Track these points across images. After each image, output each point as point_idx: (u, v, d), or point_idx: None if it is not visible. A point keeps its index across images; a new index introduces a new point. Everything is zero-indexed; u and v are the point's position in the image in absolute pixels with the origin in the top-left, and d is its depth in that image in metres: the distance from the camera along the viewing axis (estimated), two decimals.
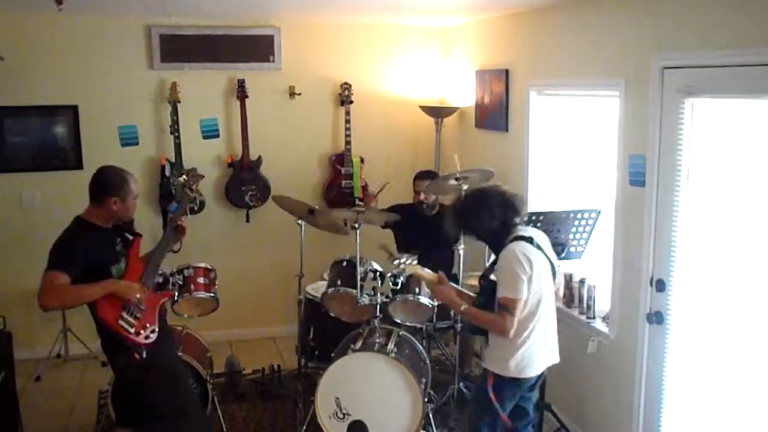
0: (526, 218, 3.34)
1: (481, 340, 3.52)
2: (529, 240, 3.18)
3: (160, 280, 3.77)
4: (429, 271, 3.60)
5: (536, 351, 3.21)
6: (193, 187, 3.84)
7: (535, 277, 3.11)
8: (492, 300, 3.21)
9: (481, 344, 3.71)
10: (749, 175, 3.02)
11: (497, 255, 3.23)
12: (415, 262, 3.62)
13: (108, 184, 3.38)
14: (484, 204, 3.23)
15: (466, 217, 3.31)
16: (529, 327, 3.17)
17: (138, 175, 5.45)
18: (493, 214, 3.21)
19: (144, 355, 3.33)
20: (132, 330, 3.33)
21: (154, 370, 3.40)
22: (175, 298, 3.86)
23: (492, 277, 3.23)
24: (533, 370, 3.24)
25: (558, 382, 4.29)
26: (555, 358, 3.36)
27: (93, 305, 3.29)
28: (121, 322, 3.30)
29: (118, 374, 3.55)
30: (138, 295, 3.35)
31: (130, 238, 3.55)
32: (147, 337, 3.37)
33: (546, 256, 3.24)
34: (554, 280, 3.31)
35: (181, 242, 3.80)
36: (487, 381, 3.28)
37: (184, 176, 3.90)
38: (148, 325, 3.39)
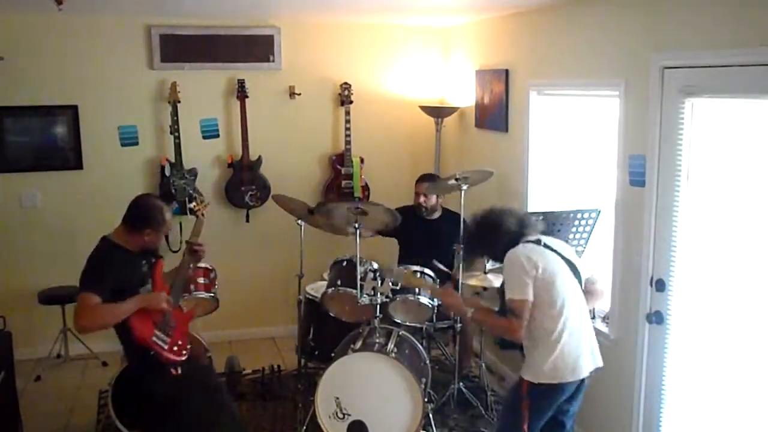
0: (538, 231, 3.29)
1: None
2: (535, 241, 3.15)
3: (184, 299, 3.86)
4: (429, 281, 3.61)
5: (571, 353, 3.10)
6: (204, 213, 3.93)
7: (544, 273, 3.05)
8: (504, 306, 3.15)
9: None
10: (749, 175, 3.02)
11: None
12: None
13: (149, 216, 3.45)
14: (501, 229, 3.21)
15: (487, 244, 3.29)
16: (557, 328, 3.07)
17: (138, 175, 5.54)
18: (509, 234, 3.19)
19: (179, 371, 3.43)
20: (166, 346, 3.41)
21: (184, 385, 3.46)
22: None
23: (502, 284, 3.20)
24: (571, 374, 3.11)
25: None
26: (598, 361, 3.24)
27: (124, 327, 3.33)
28: (155, 339, 3.38)
29: (147, 389, 3.49)
30: (165, 305, 3.43)
31: (153, 260, 3.59)
32: (180, 354, 3.46)
33: (561, 255, 3.17)
34: (581, 282, 3.21)
35: (181, 242, 3.84)
36: (521, 388, 3.17)
37: (195, 203, 4.03)
38: (180, 342, 3.49)
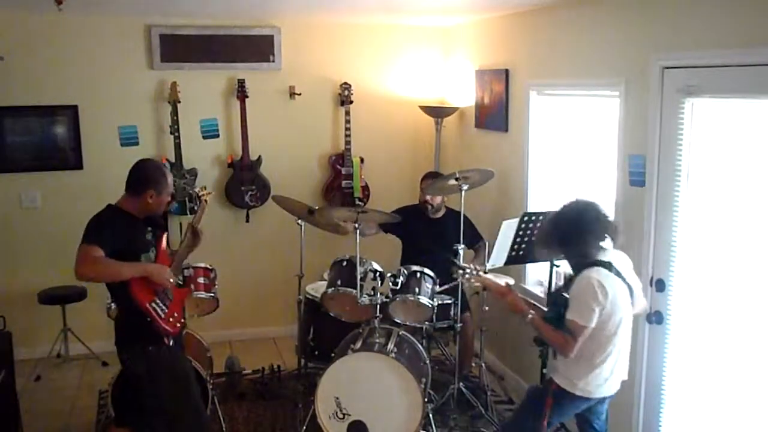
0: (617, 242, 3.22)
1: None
2: (608, 265, 3.08)
3: (182, 277, 3.84)
4: (498, 280, 3.56)
5: (607, 375, 3.14)
6: (208, 200, 3.92)
7: (611, 306, 3.02)
8: (559, 315, 3.12)
9: (549, 354, 3.69)
10: (749, 175, 3.02)
11: (576, 273, 3.14)
12: (485, 272, 3.58)
13: (148, 176, 3.42)
14: (594, 224, 3.13)
15: (571, 234, 3.14)
16: (605, 351, 3.09)
17: None
18: (596, 239, 3.12)
19: (171, 343, 3.41)
20: (163, 315, 3.39)
21: (166, 365, 3.43)
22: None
23: (565, 293, 3.14)
24: (601, 392, 3.17)
25: None
26: (625, 375, 3.26)
27: (124, 289, 3.29)
28: (154, 305, 3.36)
29: (127, 365, 3.48)
30: (171, 280, 3.42)
31: (158, 231, 3.57)
32: (175, 326, 3.45)
33: (624, 280, 3.14)
34: (633, 301, 3.18)
35: (182, 242, 3.83)
36: (550, 387, 3.21)
37: (200, 188, 4.03)
38: (176, 314, 3.48)
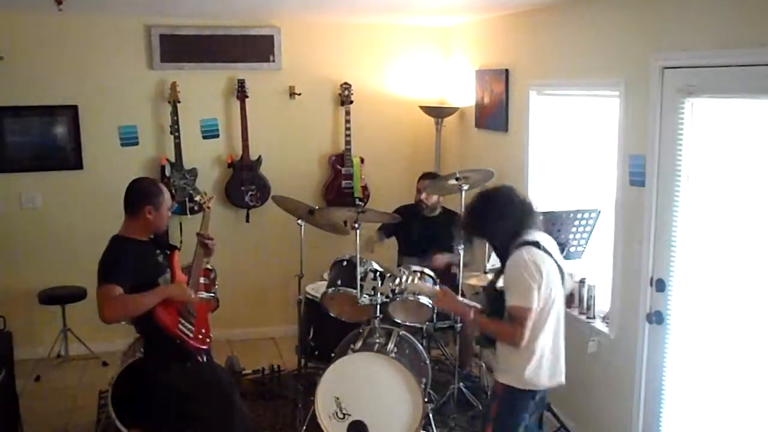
0: (533, 227, 3.13)
1: (488, 350, 3.38)
2: (536, 244, 3.02)
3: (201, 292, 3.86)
4: (429, 285, 3.56)
5: (551, 359, 3.07)
6: (210, 206, 3.91)
7: (545, 283, 2.95)
8: (499, 309, 3.05)
9: (487, 353, 3.63)
10: (749, 175, 3.01)
11: (503, 260, 3.07)
12: (416, 278, 3.57)
13: (143, 193, 3.41)
14: (507, 206, 3.07)
15: (486, 218, 3.09)
16: (542, 336, 3.00)
17: (138, 175, 5.49)
18: (513, 218, 3.05)
19: (204, 359, 3.45)
20: (191, 335, 3.41)
21: (208, 378, 3.48)
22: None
23: (499, 285, 3.09)
24: (548, 380, 3.07)
25: None
26: (562, 375, 3.14)
27: (149, 318, 3.30)
28: (181, 327, 3.38)
29: (170, 385, 3.42)
30: (191, 295, 3.43)
31: (167, 252, 3.57)
32: (205, 341, 3.48)
33: (554, 259, 3.09)
34: (564, 284, 3.15)
35: (182, 241, 3.85)
36: (497, 393, 3.12)
37: (200, 196, 4.01)
38: (203, 330, 3.50)
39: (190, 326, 3.42)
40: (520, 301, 2.93)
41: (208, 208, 3.88)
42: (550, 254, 3.06)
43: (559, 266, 3.11)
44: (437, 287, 3.50)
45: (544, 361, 3.05)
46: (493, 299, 3.12)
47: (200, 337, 3.46)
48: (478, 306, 3.29)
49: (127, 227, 3.41)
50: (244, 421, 3.62)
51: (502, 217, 3.05)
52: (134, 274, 3.26)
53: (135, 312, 3.29)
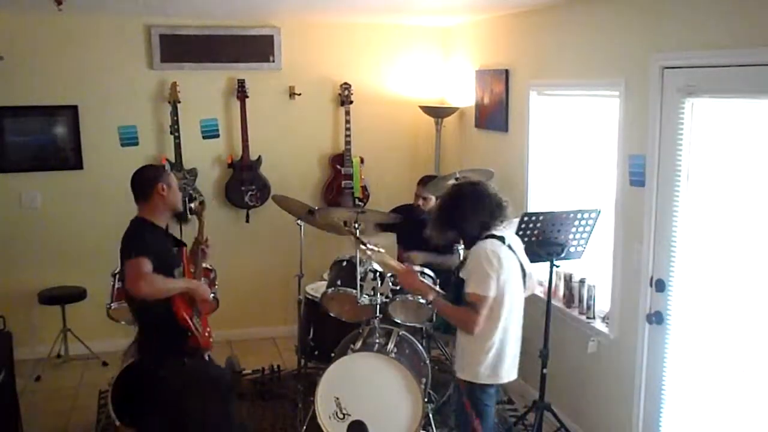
0: (503, 220, 3.24)
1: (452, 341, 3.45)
2: (501, 239, 3.14)
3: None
4: (394, 261, 3.60)
5: (505, 354, 3.15)
6: (204, 213, 3.90)
7: (504, 276, 3.06)
8: (460, 297, 3.15)
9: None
10: (749, 175, 3.02)
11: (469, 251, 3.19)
12: (383, 250, 3.61)
13: (150, 174, 3.42)
14: (478, 201, 3.16)
15: (459, 212, 3.19)
16: (498, 328, 3.11)
17: None
18: (483, 212, 3.15)
19: (208, 357, 3.49)
20: (200, 331, 3.42)
21: (205, 376, 3.51)
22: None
23: (462, 274, 3.16)
24: (506, 375, 3.18)
25: (558, 382, 4.30)
26: (515, 371, 3.25)
27: (166, 303, 3.26)
28: (194, 321, 3.37)
29: (164, 380, 3.41)
30: (209, 295, 3.46)
31: (177, 248, 3.58)
32: (209, 340, 3.49)
33: (518, 258, 3.19)
34: (525, 284, 3.24)
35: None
36: (461, 390, 3.23)
37: (194, 203, 4.06)
38: (209, 329, 3.53)
39: (199, 323, 3.44)
40: (477, 288, 3.04)
41: (202, 215, 3.89)
42: (514, 251, 3.17)
43: (522, 265, 3.21)
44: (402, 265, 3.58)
45: (501, 357, 3.15)
46: (455, 287, 3.21)
47: (206, 335, 3.49)
48: (441, 291, 3.39)
49: (144, 212, 3.38)
50: (241, 423, 3.64)
51: (474, 212, 3.16)
52: (157, 256, 3.22)
53: (165, 293, 3.24)
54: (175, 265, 3.40)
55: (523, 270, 3.22)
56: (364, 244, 3.67)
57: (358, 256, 4.06)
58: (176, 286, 3.27)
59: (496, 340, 3.12)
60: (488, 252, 3.05)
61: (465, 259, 3.22)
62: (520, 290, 3.20)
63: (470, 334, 3.09)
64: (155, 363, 3.42)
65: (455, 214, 3.19)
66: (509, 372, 3.21)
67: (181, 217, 5.15)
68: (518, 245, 3.29)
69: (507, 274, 3.08)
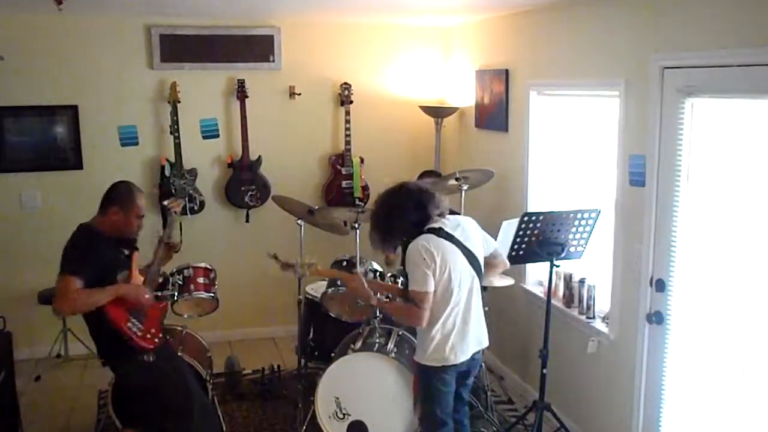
0: (440, 212, 3.30)
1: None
2: (437, 231, 3.19)
3: (158, 290, 3.85)
4: (340, 271, 3.72)
5: (454, 338, 3.22)
6: (177, 211, 3.95)
7: (442, 267, 3.13)
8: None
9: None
10: (749, 175, 3.02)
11: None
12: (315, 262, 3.67)
13: (115, 194, 3.51)
14: (399, 205, 3.24)
15: (388, 219, 3.27)
16: (443, 315, 3.19)
17: (138, 175, 5.53)
18: (408, 212, 3.22)
19: (152, 359, 3.44)
20: (140, 333, 3.42)
21: (157, 372, 3.46)
22: (175, 298, 3.92)
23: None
24: (455, 357, 3.23)
25: (558, 382, 4.30)
26: (483, 342, 3.38)
27: (98, 313, 3.33)
28: (130, 326, 3.39)
29: (121, 380, 3.56)
30: (147, 296, 3.46)
31: (127, 252, 3.61)
32: (153, 341, 3.47)
33: (457, 242, 3.21)
34: (478, 265, 3.29)
35: (181, 241, 3.86)
36: (415, 372, 3.37)
37: (168, 201, 4.05)
38: (153, 330, 3.50)
39: (139, 325, 3.43)
40: (415, 285, 3.15)
41: (175, 212, 3.90)
42: (452, 237, 3.21)
43: (467, 250, 3.24)
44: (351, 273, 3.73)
45: (449, 341, 3.22)
46: (406, 284, 3.33)
47: (148, 336, 3.46)
48: (402, 289, 3.52)
49: (95, 220, 3.50)
50: (206, 414, 3.68)
51: (399, 216, 3.25)
52: (96, 267, 3.32)
53: (88, 307, 3.33)
54: (119, 270, 3.45)
55: (471, 253, 3.26)
56: (288, 267, 3.73)
57: (358, 256, 4.06)
58: (102, 296, 3.30)
59: (443, 325, 3.21)
60: (419, 248, 3.14)
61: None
62: (466, 274, 3.24)
63: (420, 327, 3.22)
64: (111, 364, 3.51)
65: (384, 224, 3.30)
66: (459, 353, 3.24)
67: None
68: (459, 229, 3.26)
69: (445, 263, 3.14)
